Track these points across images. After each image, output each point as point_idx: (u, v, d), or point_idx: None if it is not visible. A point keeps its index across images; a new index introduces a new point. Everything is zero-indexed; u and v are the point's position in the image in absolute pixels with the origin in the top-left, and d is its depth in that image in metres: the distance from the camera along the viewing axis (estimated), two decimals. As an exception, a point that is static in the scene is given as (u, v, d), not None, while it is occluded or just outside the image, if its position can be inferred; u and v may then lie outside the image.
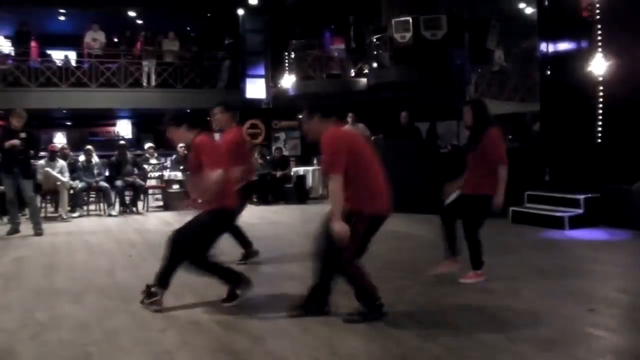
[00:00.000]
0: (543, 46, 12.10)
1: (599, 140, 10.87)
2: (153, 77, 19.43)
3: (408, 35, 13.36)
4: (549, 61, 11.98)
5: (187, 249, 5.42)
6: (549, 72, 11.98)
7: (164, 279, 5.47)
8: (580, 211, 9.58)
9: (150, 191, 14.19)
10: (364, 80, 15.81)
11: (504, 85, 17.55)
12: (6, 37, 20.93)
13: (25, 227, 10.16)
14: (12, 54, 19.59)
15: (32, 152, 10.11)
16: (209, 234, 5.49)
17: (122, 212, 13.01)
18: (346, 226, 4.64)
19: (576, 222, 9.43)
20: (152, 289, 5.45)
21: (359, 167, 4.87)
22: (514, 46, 17.19)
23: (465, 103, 6.61)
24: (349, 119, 13.11)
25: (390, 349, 4.27)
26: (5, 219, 11.05)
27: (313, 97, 16.32)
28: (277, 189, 14.84)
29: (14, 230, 10.00)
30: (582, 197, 9.63)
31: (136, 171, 13.52)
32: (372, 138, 13.07)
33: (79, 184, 12.75)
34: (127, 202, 13.43)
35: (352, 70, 16.54)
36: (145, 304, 5.42)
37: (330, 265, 5.03)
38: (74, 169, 13.14)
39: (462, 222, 6.39)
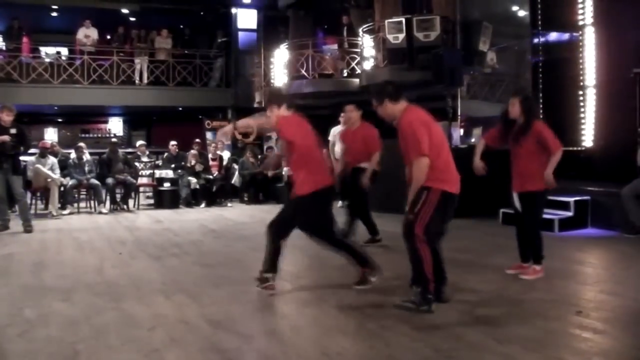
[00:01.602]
0: (535, 48, 12.17)
1: (589, 143, 10.94)
2: (145, 75, 19.39)
3: (401, 36, 13.38)
4: (541, 64, 12.04)
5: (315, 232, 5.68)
6: (540, 75, 12.04)
7: (272, 264, 5.78)
8: (570, 213, 9.61)
9: (141, 189, 14.18)
10: (356, 80, 15.82)
11: (496, 87, 17.60)
12: (-2, 32, 20.90)
13: (15, 224, 10.13)
14: (4, 49, 19.52)
15: (21, 148, 10.08)
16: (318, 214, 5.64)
17: (113, 210, 13.00)
18: None
19: (566, 225, 9.46)
20: (264, 275, 5.73)
21: (434, 148, 5.05)
22: (506, 48, 17.23)
23: (513, 94, 6.53)
24: (342, 120, 13.10)
25: (380, 349, 4.28)
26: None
27: (305, 96, 16.33)
28: (269, 188, 14.86)
29: (3, 226, 9.97)
30: (571, 199, 9.67)
31: (127, 169, 13.50)
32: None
33: (69, 181, 12.73)
34: (118, 199, 13.41)
35: (345, 71, 16.54)
36: (260, 287, 5.71)
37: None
38: (64, 166, 13.12)
39: (526, 220, 6.46)
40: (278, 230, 5.83)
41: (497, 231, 9.50)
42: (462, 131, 15.44)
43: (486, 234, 9.30)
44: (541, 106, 11.90)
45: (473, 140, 16.61)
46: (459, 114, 13.19)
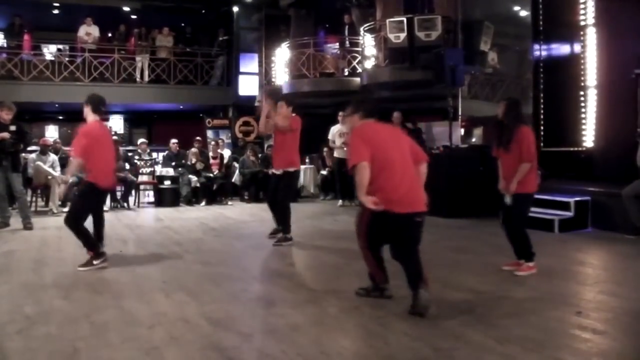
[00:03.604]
0: (536, 48, 12.16)
1: (590, 144, 10.94)
2: (146, 73, 19.39)
3: (402, 35, 13.39)
4: (542, 64, 12.04)
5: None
6: (541, 75, 12.04)
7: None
8: (570, 214, 9.61)
9: (141, 187, 14.18)
10: (357, 79, 15.82)
11: (497, 87, 17.61)
12: (-1, 29, 20.91)
13: (15, 221, 10.12)
14: (5, 46, 19.52)
15: (21, 145, 10.09)
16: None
17: (113, 208, 12.99)
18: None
19: (566, 225, 9.46)
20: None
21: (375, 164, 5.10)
22: (508, 48, 17.25)
23: (503, 99, 6.90)
24: (340, 119, 13.13)
25: (379, 348, 4.28)
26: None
27: (306, 95, 16.34)
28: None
29: (4, 224, 9.97)
30: (572, 200, 9.66)
31: (128, 167, 13.50)
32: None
33: (70, 179, 12.69)
34: (118, 197, 13.41)
35: (346, 70, 16.54)
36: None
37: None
38: (65, 164, 13.10)
39: (509, 221, 6.71)
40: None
41: (496, 231, 9.41)
42: (462, 131, 15.44)
43: (486, 234, 9.28)
44: (542, 106, 11.91)
45: (474, 140, 16.62)
46: (459, 113, 13.18)
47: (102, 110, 7.52)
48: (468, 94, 15.96)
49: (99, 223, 7.59)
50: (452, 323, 4.81)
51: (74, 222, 6.95)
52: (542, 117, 11.91)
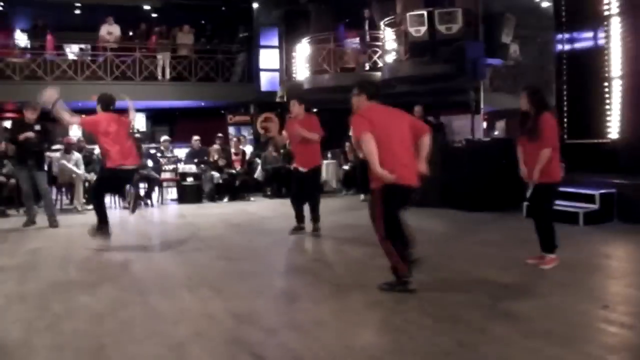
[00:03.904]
0: (559, 39, 12.03)
1: (615, 135, 10.81)
2: (167, 71, 19.47)
3: (423, 29, 13.31)
4: (565, 55, 11.91)
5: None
6: (564, 66, 11.91)
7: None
8: (595, 207, 9.50)
9: (164, 184, 14.26)
10: (378, 74, 15.77)
11: (519, 79, 17.45)
12: (23, 30, 21.09)
13: (41, 219, 10.23)
14: (28, 47, 19.71)
15: (46, 144, 10.21)
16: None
17: (138, 205, 13.05)
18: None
19: (591, 218, 9.35)
20: None
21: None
22: (530, 40, 17.07)
23: (523, 89, 6.76)
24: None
25: (403, 342, 4.27)
26: (21, 211, 11.17)
27: (327, 90, 16.32)
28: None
29: (30, 222, 10.09)
30: (597, 192, 9.56)
31: (151, 164, 13.58)
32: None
33: (94, 177, 12.82)
34: (142, 194, 13.49)
35: (367, 64, 16.48)
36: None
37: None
38: (89, 162, 13.22)
39: (534, 211, 6.70)
40: None
41: (520, 224, 9.38)
42: (485, 124, 15.33)
43: (509, 227, 9.23)
44: (565, 98, 11.78)
45: (496, 133, 16.50)
46: (481, 106, 13.09)
47: (112, 109, 8.44)
48: (490, 87, 15.84)
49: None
50: (476, 317, 4.79)
51: (93, 198, 8.41)
52: (565, 108, 11.76)
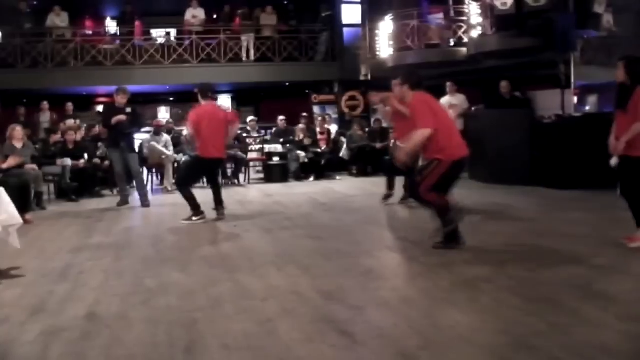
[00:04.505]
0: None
1: None
2: (252, 52, 19.63)
3: (509, 2, 12.93)
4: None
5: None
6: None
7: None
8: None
9: (251, 163, 14.46)
10: (464, 49, 15.45)
11: (612, 51, 16.73)
12: (113, 18, 21.75)
13: (134, 199, 10.58)
14: (118, 34, 20.31)
15: (136, 127, 10.56)
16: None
17: (224, 184, 13.30)
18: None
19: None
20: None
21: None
22: (625, 9, 16.33)
23: (620, 59, 6.40)
24: (448, 89, 12.93)
25: (492, 323, 4.19)
26: (115, 192, 11.58)
27: (411, 67, 16.12)
28: (377, 161, 14.78)
29: (124, 202, 10.44)
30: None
31: (238, 144, 13.79)
32: (473, 109, 12.82)
33: (182, 158, 13.13)
34: (229, 174, 13.74)
35: (452, 40, 16.16)
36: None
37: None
38: (177, 143, 13.54)
39: (621, 184, 6.45)
40: None
41: (615, 203, 9.00)
42: (576, 99, 14.80)
43: (602, 206, 8.86)
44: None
45: (588, 108, 15.93)
46: (572, 81, 12.63)
47: (210, 96, 8.84)
48: (581, 60, 15.27)
49: (215, 190, 8.97)
50: (567, 298, 4.63)
51: (181, 186, 8.85)
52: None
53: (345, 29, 19.73)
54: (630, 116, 6.04)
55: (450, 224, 6.10)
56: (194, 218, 8.58)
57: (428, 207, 6.21)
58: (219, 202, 8.92)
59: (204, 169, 9.06)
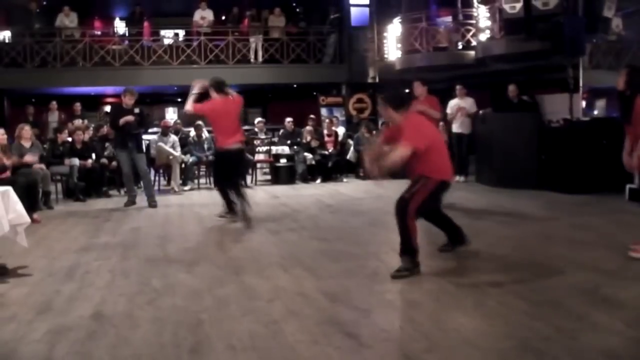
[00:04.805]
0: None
1: None
2: (260, 53, 19.66)
3: (518, 5, 12.90)
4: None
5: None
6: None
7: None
8: None
9: (258, 165, 14.47)
10: (472, 53, 15.43)
11: (621, 55, 16.69)
12: (121, 18, 21.84)
13: (141, 199, 10.61)
14: (127, 34, 20.38)
15: (144, 128, 10.59)
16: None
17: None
18: None
19: None
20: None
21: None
22: (634, 13, 16.29)
23: (625, 66, 6.37)
24: (457, 92, 12.94)
25: (499, 326, 4.18)
26: (122, 192, 11.62)
27: (419, 70, 16.12)
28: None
29: (131, 202, 10.47)
30: None
31: (245, 146, 13.78)
32: (480, 112, 12.80)
33: (190, 158, 13.16)
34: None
35: (460, 43, 16.15)
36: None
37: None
38: (185, 144, 13.57)
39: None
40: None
41: (623, 208, 9.00)
42: (584, 103, 14.76)
43: (611, 211, 8.83)
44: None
45: (596, 112, 15.89)
46: (580, 84, 12.59)
47: (224, 90, 8.68)
48: (589, 64, 15.24)
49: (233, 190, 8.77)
50: (575, 303, 4.62)
51: (216, 185, 9.15)
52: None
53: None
54: (635, 128, 5.97)
55: (409, 266, 5.54)
56: (227, 215, 8.78)
57: (402, 229, 5.59)
58: (232, 203, 8.70)
59: (225, 161, 8.85)
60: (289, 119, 15.10)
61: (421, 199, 5.60)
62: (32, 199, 8.63)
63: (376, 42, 18.97)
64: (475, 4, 15.26)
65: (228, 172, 8.78)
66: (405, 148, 5.47)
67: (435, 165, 5.70)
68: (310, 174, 14.17)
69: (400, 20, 17.33)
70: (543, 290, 4.95)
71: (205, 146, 13.38)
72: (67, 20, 18.45)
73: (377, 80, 18.88)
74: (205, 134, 13.66)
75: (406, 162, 5.62)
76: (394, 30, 17.54)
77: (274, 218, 9.03)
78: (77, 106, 16.13)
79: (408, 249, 5.54)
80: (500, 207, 9.34)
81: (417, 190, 5.61)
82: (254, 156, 14.04)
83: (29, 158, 9.49)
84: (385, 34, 18.41)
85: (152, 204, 10.36)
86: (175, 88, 21.06)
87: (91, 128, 13.98)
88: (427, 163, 5.64)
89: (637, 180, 6.16)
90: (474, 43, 15.61)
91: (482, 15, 14.93)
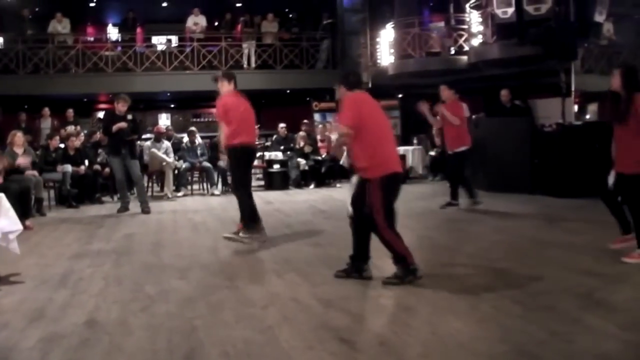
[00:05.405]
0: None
1: None
2: (253, 59, 19.67)
3: (510, 10, 12.96)
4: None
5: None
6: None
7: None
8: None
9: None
10: (464, 57, 15.48)
11: (613, 59, 16.76)
12: (114, 25, 21.84)
13: (134, 206, 10.59)
14: (120, 40, 20.37)
15: (137, 134, 10.58)
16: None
17: (225, 192, 13.30)
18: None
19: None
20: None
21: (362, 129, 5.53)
22: (625, 18, 16.36)
23: (617, 66, 6.33)
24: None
25: (493, 331, 4.18)
26: (115, 198, 11.59)
27: (412, 75, 16.15)
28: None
29: (124, 208, 10.45)
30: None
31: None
32: (473, 117, 12.83)
33: (183, 164, 13.15)
34: (229, 181, 13.72)
35: (452, 48, 16.19)
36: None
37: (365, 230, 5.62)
38: (178, 150, 13.56)
39: (627, 204, 6.14)
40: None
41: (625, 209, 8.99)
42: (576, 107, 14.80)
43: (603, 214, 8.81)
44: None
45: (588, 116, 15.93)
46: (573, 89, 12.64)
47: (236, 83, 8.36)
48: (581, 68, 15.30)
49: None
50: (569, 306, 4.62)
51: (238, 190, 7.81)
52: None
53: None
54: (631, 128, 5.92)
55: (402, 274, 5.41)
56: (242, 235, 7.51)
57: (383, 243, 5.51)
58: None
59: (252, 160, 8.25)
60: (282, 125, 15.11)
61: (379, 205, 5.38)
62: (24, 205, 8.61)
63: (369, 48, 18.99)
64: (468, 9, 15.30)
65: (249, 174, 8.23)
66: (340, 126, 5.51)
67: (373, 156, 5.46)
68: (303, 180, 14.18)
69: (392, 25, 17.37)
70: (537, 295, 4.95)
71: (199, 152, 13.38)
72: (60, 26, 18.44)
73: (370, 85, 18.87)
74: (198, 140, 13.67)
75: (351, 148, 5.67)
76: (387, 35, 17.57)
77: (268, 224, 8.96)
78: (70, 112, 16.10)
79: (398, 257, 5.46)
80: (493, 211, 9.36)
81: (371, 200, 5.42)
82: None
83: (21, 160, 9.48)
84: (378, 40, 18.43)
85: (145, 210, 10.34)
86: (169, 94, 21.08)
87: (83, 134, 13.94)
88: (366, 151, 5.46)
89: (611, 181, 6.15)
90: (466, 48, 15.67)
91: (474, 20, 14.99)
